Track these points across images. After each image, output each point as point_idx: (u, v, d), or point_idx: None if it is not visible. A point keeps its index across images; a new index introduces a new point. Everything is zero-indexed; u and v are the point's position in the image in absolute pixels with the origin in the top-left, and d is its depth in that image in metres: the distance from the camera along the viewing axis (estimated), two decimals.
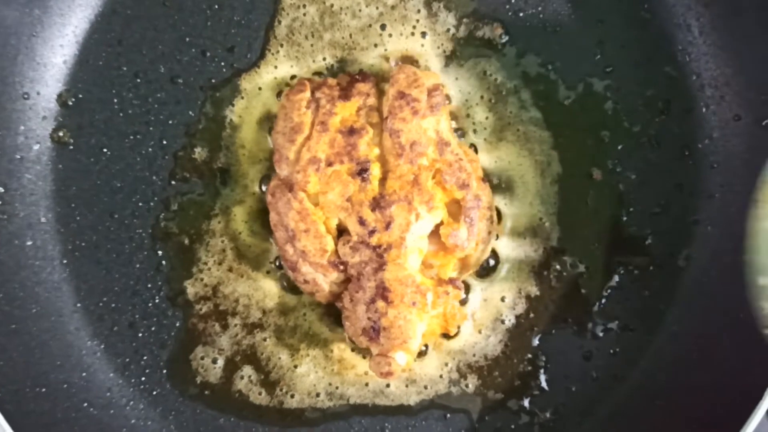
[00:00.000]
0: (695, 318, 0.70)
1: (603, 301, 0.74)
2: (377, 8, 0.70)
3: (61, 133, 0.70)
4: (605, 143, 0.74)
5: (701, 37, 0.70)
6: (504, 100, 0.74)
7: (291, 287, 0.72)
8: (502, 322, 0.73)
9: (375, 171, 0.68)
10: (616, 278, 0.74)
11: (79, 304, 0.69)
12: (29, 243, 0.69)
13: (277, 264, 0.71)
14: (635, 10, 0.74)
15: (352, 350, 0.72)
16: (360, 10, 0.70)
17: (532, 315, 0.74)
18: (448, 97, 0.72)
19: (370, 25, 0.70)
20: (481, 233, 0.69)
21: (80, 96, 0.70)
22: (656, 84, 0.74)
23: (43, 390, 0.66)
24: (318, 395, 0.69)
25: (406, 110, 0.69)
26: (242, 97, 0.70)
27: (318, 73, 0.71)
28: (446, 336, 0.71)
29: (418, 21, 0.70)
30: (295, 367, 0.69)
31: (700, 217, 0.74)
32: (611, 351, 0.73)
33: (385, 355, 0.66)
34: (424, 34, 0.71)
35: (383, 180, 0.68)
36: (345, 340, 0.70)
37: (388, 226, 0.67)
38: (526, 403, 0.73)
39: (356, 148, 0.68)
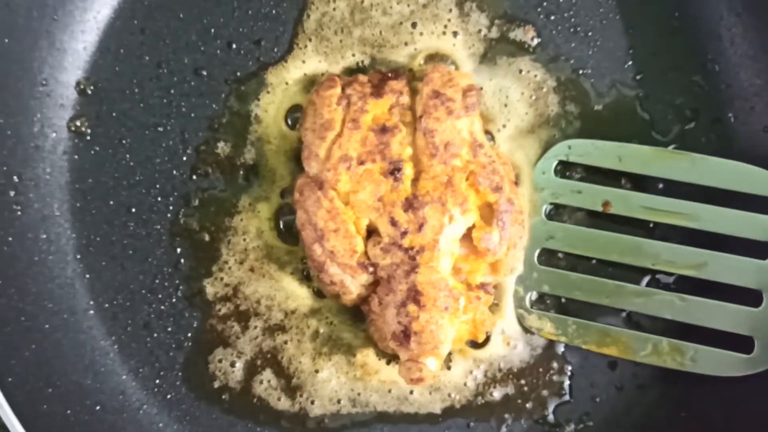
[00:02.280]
0: (720, 330, 0.73)
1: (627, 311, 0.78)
2: (408, 6, 0.75)
3: (78, 123, 0.73)
4: None
5: (732, 48, 0.77)
6: (537, 102, 0.80)
7: (316, 289, 0.78)
8: (530, 331, 0.78)
9: (408, 171, 0.72)
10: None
11: (92, 302, 0.72)
12: (43, 236, 0.72)
13: (303, 265, 0.73)
14: (666, 18, 0.80)
15: (376, 355, 0.78)
16: (391, 7, 0.74)
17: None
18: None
19: (401, 23, 0.75)
20: (512, 238, 0.73)
21: (99, 85, 0.74)
22: (685, 93, 0.81)
23: (56, 390, 0.70)
24: (340, 401, 0.77)
25: (441, 110, 0.72)
26: (268, 92, 0.75)
27: (348, 71, 0.74)
28: (473, 343, 0.78)
29: (449, 20, 0.75)
30: (317, 371, 0.72)
31: None
32: (636, 361, 0.78)
33: (415, 360, 0.70)
34: (455, 34, 0.78)
35: (416, 180, 0.72)
36: (368, 345, 0.73)
37: (420, 227, 0.70)
38: (550, 412, 0.79)
39: (389, 147, 0.72)
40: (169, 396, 0.74)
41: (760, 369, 0.73)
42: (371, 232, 0.72)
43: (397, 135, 0.71)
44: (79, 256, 0.73)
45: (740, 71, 0.77)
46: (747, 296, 0.74)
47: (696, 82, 0.79)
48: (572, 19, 0.79)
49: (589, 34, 0.78)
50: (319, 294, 0.76)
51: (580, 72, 0.79)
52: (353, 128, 0.71)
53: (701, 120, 0.79)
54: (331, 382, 0.74)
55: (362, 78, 0.74)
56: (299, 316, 0.75)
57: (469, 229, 0.72)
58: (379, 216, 0.71)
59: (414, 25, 0.77)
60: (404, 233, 0.70)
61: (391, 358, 0.75)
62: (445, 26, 0.78)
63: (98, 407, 0.71)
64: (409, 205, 0.70)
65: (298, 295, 0.75)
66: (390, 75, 0.74)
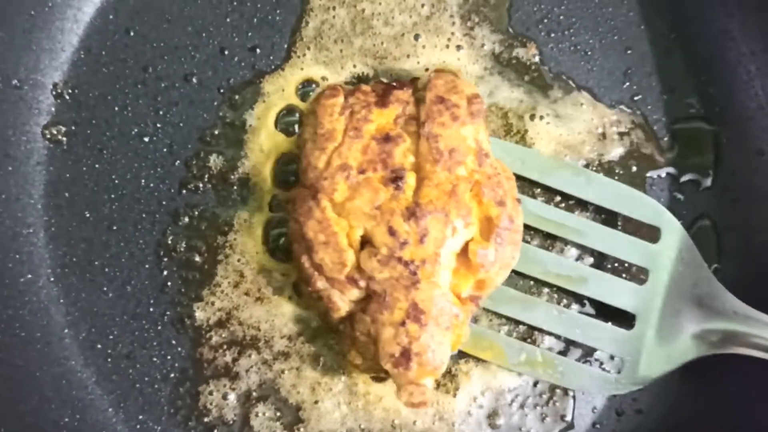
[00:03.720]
0: (719, 353, 0.76)
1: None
2: (411, 17, 0.75)
3: (54, 130, 0.71)
4: (632, 172, 0.85)
5: (726, 71, 0.79)
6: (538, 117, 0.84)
7: (320, 313, 0.78)
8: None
9: (410, 180, 0.72)
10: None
11: (68, 330, 0.69)
12: (14, 256, 0.67)
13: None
14: (662, 41, 0.87)
15: (378, 380, 0.79)
16: (393, 18, 0.75)
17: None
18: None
19: (403, 34, 0.76)
20: (506, 257, 0.74)
21: (79, 89, 0.72)
22: (682, 115, 0.87)
23: (35, 428, 0.64)
24: None
25: (446, 115, 0.73)
26: (264, 101, 0.73)
27: (348, 83, 0.74)
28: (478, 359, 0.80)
29: (453, 33, 0.77)
30: (318, 402, 0.70)
31: (723, 247, 0.85)
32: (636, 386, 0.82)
33: (417, 384, 0.71)
34: (459, 47, 0.83)
35: (417, 190, 0.71)
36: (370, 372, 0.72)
37: (422, 239, 0.70)
38: None
39: (391, 156, 0.72)
40: None
41: (625, 391, 0.81)
42: (364, 244, 0.72)
43: (401, 144, 0.72)
44: (53, 279, 0.70)
45: (734, 94, 0.81)
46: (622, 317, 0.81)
47: (691, 104, 0.82)
48: (572, 38, 0.82)
49: (589, 53, 0.81)
50: (318, 317, 0.74)
51: (581, 91, 0.80)
52: (355, 137, 0.72)
53: (695, 143, 0.81)
54: (334, 414, 0.73)
55: (366, 87, 0.76)
56: (298, 342, 0.74)
57: (464, 242, 0.73)
58: (376, 225, 0.70)
59: (417, 37, 0.77)
60: (404, 244, 0.70)
61: (377, 378, 0.78)
62: (449, 39, 0.78)
63: None
64: (411, 214, 0.70)
65: (297, 319, 0.73)
66: (395, 85, 0.76)
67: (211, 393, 0.77)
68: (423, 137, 0.71)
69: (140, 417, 0.75)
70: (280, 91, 0.80)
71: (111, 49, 0.77)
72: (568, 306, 0.81)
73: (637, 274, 0.82)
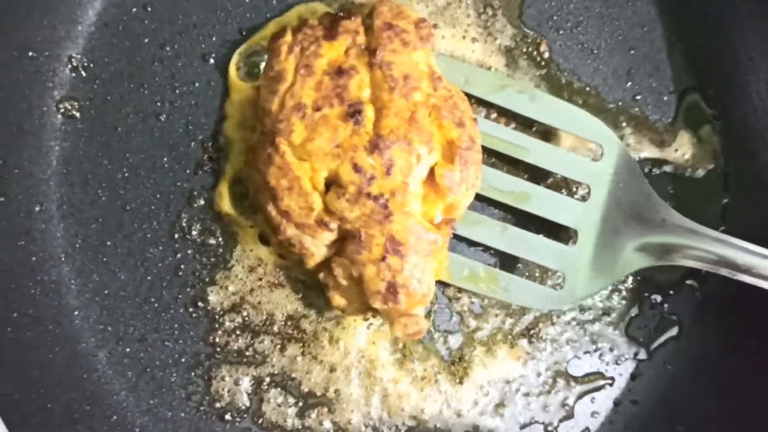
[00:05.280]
0: (712, 346, 0.81)
1: (625, 329, 0.91)
2: (427, 6, 0.80)
3: (68, 105, 0.72)
4: None
5: (724, 74, 0.84)
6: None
7: (294, 263, 0.79)
8: (539, 349, 0.89)
9: (368, 113, 0.74)
10: (636, 309, 0.91)
11: (78, 312, 0.70)
12: (26, 233, 0.67)
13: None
14: (663, 43, 0.93)
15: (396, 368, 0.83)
16: (411, 7, 0.77)
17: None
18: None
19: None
20: (471, 178, 0.77)
21: (95, 63, 0.74)
22: (682, 116, 0.93)
23: (46, 411, 0.67)
24: (351, 421, 0.82)
25: (396, 41, 0.75)
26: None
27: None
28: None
29: (469, 25, 0.88)
30: (330, 389, 0.73)
31: None
32: (632, 377, 0.90)
33: (409, 314, 0.73)
34: (474, 40, 0.89)
35: (377, 122, 0.74)
36: (386, 357, 0.75)
37: (388, 170, 0.72)
38: (557, 427, 0.88)
39: (346, 90, 0.73)
40: (166, 417, 0.73)
41: (567, 306, 0.88)
42: (329, 186, 0.74)
43: (355, 77, 0.74)
44: (64, 258, 0.71)
45: (734, 97, 0.87)
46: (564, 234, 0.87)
47: (691, 105, 0.87)
48: (580, 36, 0.88)
49: (595, 51, 0.86)
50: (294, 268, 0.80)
51: (587, 89, 0.84)
52: (306, 74, 0.74)
53: (695, 143, 0.87)
54: (347, 400, 0.76)
55: (312, 22, 0.77)
56: (312, 328, 0.76)
57: (429, 168, 0.76)
58: (340, 163, 0.72)
59: (435, 26, 0.80)
60: (371, 179, 0.72)
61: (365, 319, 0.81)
62: (465, 31, 0.81)
63: (90, 430, 0.67)
64: (374, 147, 0.72)
65: (311, 305, 0.76)
66: (342, 15, 0.78)
67: (223, 378, 0.78)
68: (376, 66, 0.74)
69: (151, 401, 0.76)
70: None
71: (129, 24, 0.78)
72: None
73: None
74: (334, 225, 0.71)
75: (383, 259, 0.71)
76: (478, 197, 0.83)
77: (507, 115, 0.87)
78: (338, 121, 0.71)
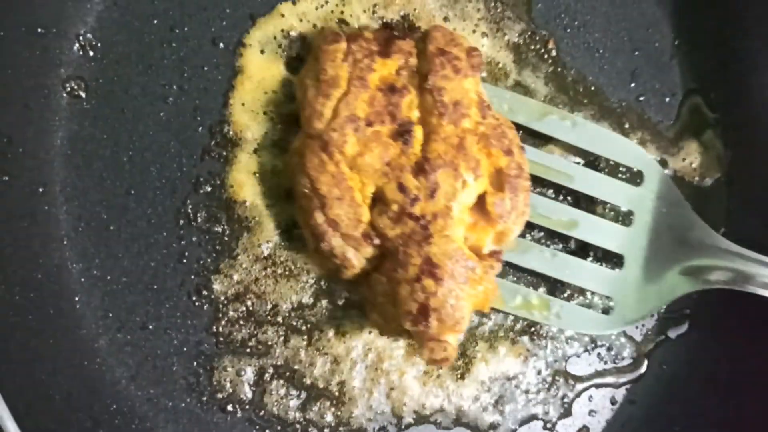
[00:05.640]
0: (710, 347, 0.83)
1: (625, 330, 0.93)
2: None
3: (74, 84, 0.71)
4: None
5: (725, 78, 0.86)
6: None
7: (329, 270, 0.81)
8: (540, 347, 0.89)
9: (418, 134, 0.76)
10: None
11: (80, 297, 0.69)
12: (29, 214, 0.66)
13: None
14: (668, 45, 0.94)
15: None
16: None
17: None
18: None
19: (433, 15, 0.77)
20: (521, 205, 0.79)
21: (103, 43, 0.75)
22: (684, 118, 0.94)
23: (48, 398, 0.65)
24: (353, 414, 0.81)
25: (448, 68, 0.77)
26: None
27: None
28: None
29: (479, 19, 0.88)
30: (333, 381, 0.73)
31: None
32: (629, 377, 0.91)
33: (438, 339, 0.74)
34: (484, 35, 0.89)
35: (425, 144, 0.76)
36: (395, 349, 0.78)
37: (432, 193, 0.74)
38: (555, 426, 0.89)
39: (398, 108, 0.75)
40: (167, 407, 0.72)
41: (617, 329, 0.90)
42: (376, 201, 0.76)
43: (407, 96, 0.76)
44: (66, 242, 0.70)
45: (737, 99, 0.88)
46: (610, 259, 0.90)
47: (694, 107, 0.88)
48: (586, 35, 0.88)
49: (600, 51, 0.88)
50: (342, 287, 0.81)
51: (592, 88, 0.85)
52: (360, 87, 0.75)
53: (697, 145, 0.88)
54: (349, 394, 0.75)
55: (368, 35, 0.80)
56: (316, 320, 0.75)
57: (478, 197, 0.78)
58: (387, 182, 0.74)
59: (446, 19, 0.80)
60: (414, 200, 0.74)
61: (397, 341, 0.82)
62: (476, 25, 0.81)
63: (89, 420, 0.65)
64: (420, 169, 0.74)
65: (316, 296, 0.76)
66: (397, 35, 0.80)
67: (225, 369, 0.77)
68: (427, 91, 0.76)
69: (152, 391, 0.75)
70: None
71: (138, 4, 0.78)
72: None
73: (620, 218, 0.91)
74: (377, 241, 0.73)
75: (418, 279, 0.71)
76: (526, 224, 0.83)
77: (548, 142, 0.89)
78: (388, 139, 0.72)
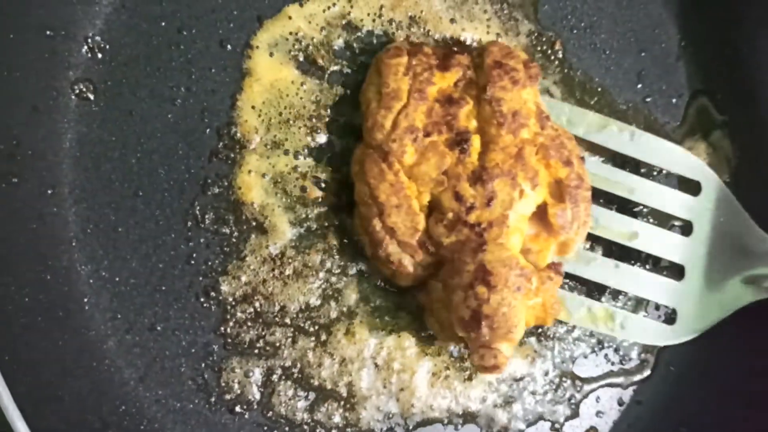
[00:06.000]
0: (717, 348, 0.83)
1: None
2: (445, 1, 0.78)
3: (83, 86, 0.73)
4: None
5: (731, 79, 0.86)
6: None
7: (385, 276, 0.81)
8: (547, 348, 0.90)
9: (475, 143, 0.77)
10: (642, 310, 0.92)
11: (88, 298, 0.70)
12: (38, 216, 0.67)
13: (333, 259, 0.82)
14: (674, 46, 0.95)
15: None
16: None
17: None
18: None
19: (440, 17, 0.78)
20: (582, 216, 0.80)
21: (111, 45, 0.78)
22: (690, 119, 0.94)
23: (57, 399, 0.66)
24: (361, 418, 0.81)
25: (506, 79, 0.79)
26: None
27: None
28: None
29: (490, 19, 0.88)
30: (342, 382, 0.73)
31: None
32: (636, 378, 0.91)
33: (489, 347, 0.75)
34: (498, 35, 0.89)
35: (483, 154, 0.77)
36: (399, 350, 0.77)
37: (489, 202, 0.75)
38: (562, 427, 0.89)
39: (456, 118, 0.77)
40: (176, 408, 0.73)
41: (682, 340, 0.90)
42: (432, 210, 0.78)
43: (464, 107, 0.78)
44: (75, 243, 0.71)
45: (743, 101, 0.88)
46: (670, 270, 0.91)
47: (699, 108, 0.88)
48: (592, 36, 0.88)
49: (607, 52, 0.88)
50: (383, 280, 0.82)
51: (599, 89, 0.85)
52: (419, 99, 0.77)
53: (701, 147, 0.89)
54: (358, 394, 0.75)
55: (427, 49, 0.81)
56: (324, 321, 0.76)
57: (538, 207, 0.80)
58: (443, 190, 0.76)
59: (452, 21, 0.80)
60: (470, 208, 0.75)
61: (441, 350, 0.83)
62: (488, 26, 0.82)
63: (98, 423, 0.66)
64: (477, 178, 0.76)
65: (324, 297, 0.77)
66: (456, 49, 0.82)
67: (233, 370, 0.78)
68: (485, 101, 0.78)
69: (161, 392, 0.76)
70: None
71: (146, 6, 0.80)
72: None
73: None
74: (432, 248, 0.75)
75: (471, 286, 0.73)
76: (588, 236, 0.84)
77: (606, 154, 0.89)
78: (445, 148, 0.74)
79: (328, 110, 0.83)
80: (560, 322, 0.88)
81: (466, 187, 0.75)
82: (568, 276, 0.87)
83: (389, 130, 0.75)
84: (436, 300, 0.77)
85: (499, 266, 0.73)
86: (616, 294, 0.89)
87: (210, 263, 0.79)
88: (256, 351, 0.80)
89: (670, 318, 0.90)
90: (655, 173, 0.90)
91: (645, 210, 0.89)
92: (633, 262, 0.89)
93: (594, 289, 0.88)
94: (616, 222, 0.88)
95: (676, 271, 0.89)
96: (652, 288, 0.89)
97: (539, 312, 0.78)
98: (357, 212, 0.79)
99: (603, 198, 0.89)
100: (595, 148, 0.89)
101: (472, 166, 0.75)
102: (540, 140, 0.78)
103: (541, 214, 0.78)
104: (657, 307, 0.89)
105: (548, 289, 0.78)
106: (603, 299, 0.88)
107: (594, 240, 0.88)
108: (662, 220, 0.90)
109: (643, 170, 0.90)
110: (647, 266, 0.89)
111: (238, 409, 0.79)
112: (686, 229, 0.90)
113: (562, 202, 0.77)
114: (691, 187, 0.90)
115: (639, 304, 0.89)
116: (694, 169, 0.90)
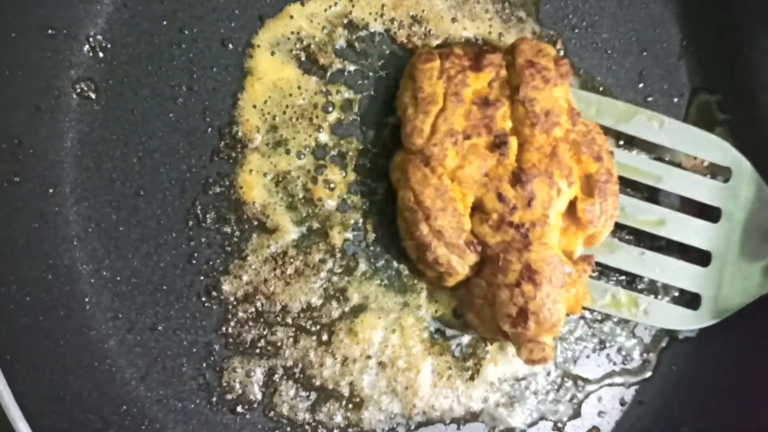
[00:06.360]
0: (719, 348, 0.83)
1: (633, 330, 0.92)
2: (446, 0, 0.79)
3: (84, 85, 0.73)
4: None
5: (733, 78, 0.86)
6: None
7: (432, 278, 0.82)
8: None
9: (513, 144, 0.79)
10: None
11: (89, 298, 0.71)
12: (39, 215, 0.67)
13: (334, 258, 0.82)
14: (675, 45, 0.95)
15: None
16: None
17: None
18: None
19: (441, 17, 0.77)
20: (609, 209, 0.82)
21: (113, 44, 0.77)
22: (692, 119, 0.94)
23: (58, 398, 0.67)
24: (363, 417, 0.82)
25: (538, 78, 0.80)
26: None
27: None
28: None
29: (491, 19, 0.89)
30: (343, 382, 0.73)
31: None
32: (638, 378, 0.91)
33: (537, 341, 0.77)
34: (501, 35, 0.89)
35: (519, 154, 0.79)
36: (400, 350, 0.85)
37: (530, 202, 0.77)
38: (564, 427, 0.90)
39: (493, 120, 0.78)
40: (177, 408, 0.73)
41: (705, 324, 0.91)
42: (475, 210, 0.79)
43: (501, 108, 0.79)
44: (76, 242, 0.71)
45: (745, 100, 0.89)
46: (696, 256, 0.90)
47: (701, 108, 0.89)
48: (594, 35, 0.89)
49: (609, 51, 0.89)
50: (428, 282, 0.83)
51: (600, 89, 0.86)
52: (456, 102, 0.79)
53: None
54: (360, 394, 0.75)
55: (458, 50, 0.82)
56: (326, 321, 0.75)
57: (569, 202, 0.80)
58: (486, 192, 0.77)
59: (454, 20, 0.80)
60: (513, 209, 0.77)
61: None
62: (490, 25, 0.82)
63: (99, 423, 0.66)
64: (516, 179, 0.77)
65: (326, 297, 0.77)
66: (486, 48, 0.83)
67: (235, 370, 0.78)
68: (518, 102, 0.79)
69: (162, 392, 0.76)
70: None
71: (148, 6, 0.80)
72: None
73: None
74: (479, 247, 0.76)
75: (518, 284, 0.75)
76: (614, 224, 0.85)
77: (635, 143, 0.90)
78: (486, 150, 0.76)
79: (330, 109, 0.84)
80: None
81: (508, 188, 0.77)
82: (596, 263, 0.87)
83: (429, 135, 0.77)
84: (478, 297, 0.78)
85: (543, 264, 0.76)
86: (634, 280, 0.89)
87: (211, 263, 0.80)
88: (258, 351, 0.80)
89: (691, 303, 0.90)
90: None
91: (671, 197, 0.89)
92: (659, 248, 0.89)
93: (616, 275, 0.88)
94: (642, 210, 0.88)
95: (701, 257, 0.89)
96: (677, 274, 0.89)
97: (572, 302, 0.80)
98: (400, 218, 0.80)
99: (630, 187, 0.88)
100: (620, 137, 0.89)
101: (511, 167, 0.77)
102: (572, 137, 0.79)
103: (570, 209, 0.80)
104: (679, 292, 0.89)
105: (581, 281, 0.79)
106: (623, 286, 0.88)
107: (618, 227, 0.87)
108: (688, 207, 0.90)
109: (667, 158, 0.90)
110: (673, 253, 0.89)
111: (239, 409, 0.79)
112: (714, 215, 0.89)
113: (591, 196, 0.79)
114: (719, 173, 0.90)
115: (662, 289, 0.89)
116: (725, 155, 0.89)
